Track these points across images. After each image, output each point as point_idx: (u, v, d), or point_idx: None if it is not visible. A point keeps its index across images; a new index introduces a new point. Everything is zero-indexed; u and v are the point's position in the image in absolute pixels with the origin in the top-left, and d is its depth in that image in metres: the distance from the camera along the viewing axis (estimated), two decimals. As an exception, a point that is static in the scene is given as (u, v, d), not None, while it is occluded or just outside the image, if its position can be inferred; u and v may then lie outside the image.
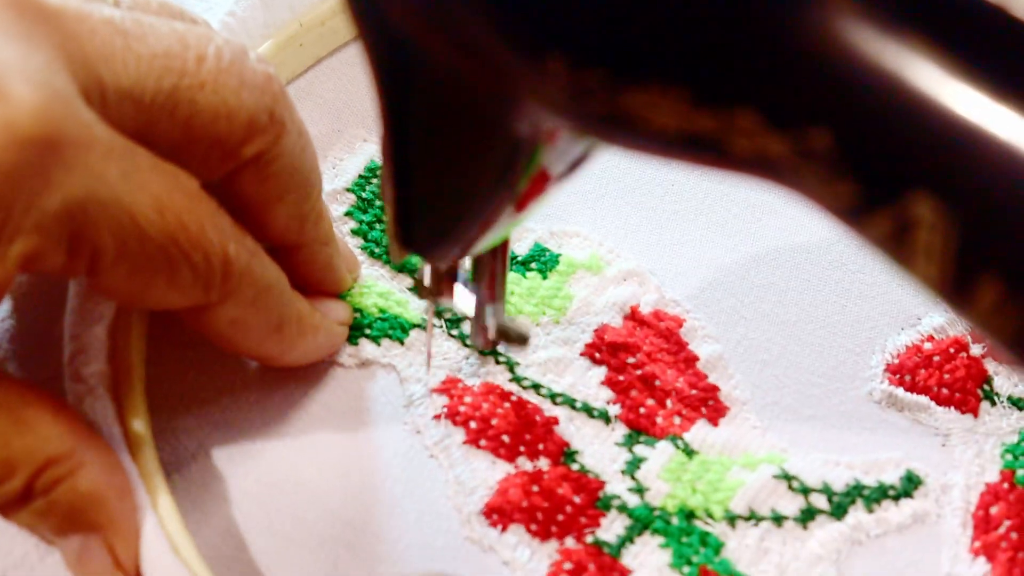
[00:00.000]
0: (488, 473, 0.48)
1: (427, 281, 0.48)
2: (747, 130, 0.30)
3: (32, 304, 0.50)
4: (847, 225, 0.30)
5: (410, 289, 0.53)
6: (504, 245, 0.48)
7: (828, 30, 0.28)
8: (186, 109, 0.42)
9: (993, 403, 0.51)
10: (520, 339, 0.49)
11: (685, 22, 0.29)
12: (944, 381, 0.51)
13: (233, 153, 0.44)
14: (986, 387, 0.52)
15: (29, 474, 0.42)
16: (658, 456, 0.49)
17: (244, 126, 0.44)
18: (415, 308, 0.52)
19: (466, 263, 0.48)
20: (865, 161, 0.28)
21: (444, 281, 0.48)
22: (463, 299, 0.48)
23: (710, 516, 0.48)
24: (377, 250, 0.54)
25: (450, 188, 0.42)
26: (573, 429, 0.50)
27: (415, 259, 0.50)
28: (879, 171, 0.28)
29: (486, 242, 0.45)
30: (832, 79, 0.28)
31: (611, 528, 0.47)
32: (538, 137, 0.37)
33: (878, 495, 0.48)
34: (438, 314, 0.52)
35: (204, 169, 0.44)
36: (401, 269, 0.54)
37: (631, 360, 0.51)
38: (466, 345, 0.52)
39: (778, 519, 0.48)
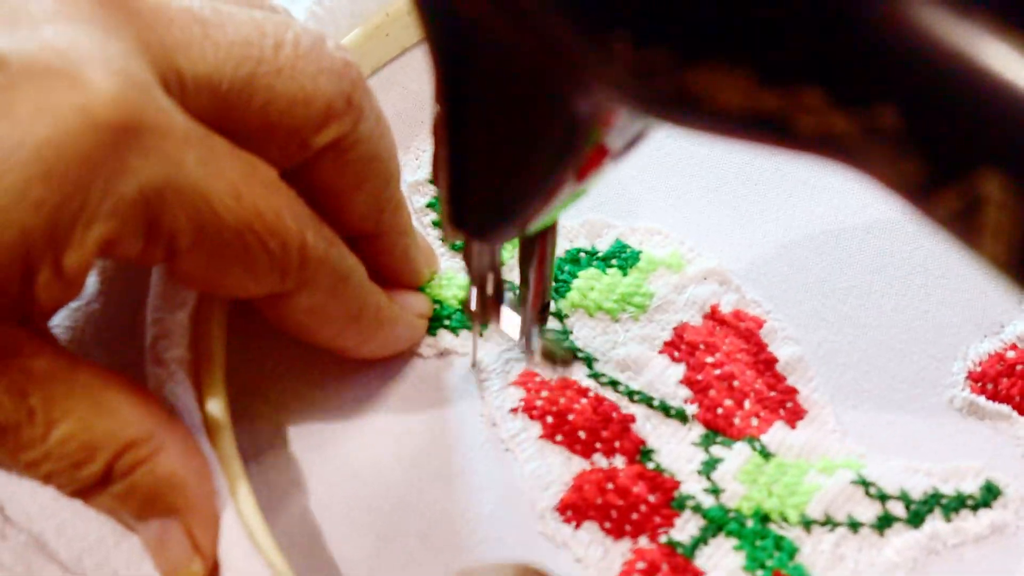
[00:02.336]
0: (563, 469, 0.48)
1: (473, 305, 0.49)
2: (812, 108, 0.29)
3: (116, 289, 0.50)
4: (913, 204, 0.30)
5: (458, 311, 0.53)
6: (552, 243, 0.48)
7: (895, 7, 0.28)
8: (263, 96, 0.43)
9: (1076, 414, 0.51)
10: (564, 361, 0.49)
11: (752, 1, 0.29)
12: (1027, 390, 0.51)
13: (310, 139, 0.44)
14: (1070, 398, 0.51)
15: (109, 457, 0.42)
16: (735, 457, 0.49)
17: (321, 112, 0.44)
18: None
19: (512, 286, 0.49)
20: (932, 139, 0.28)
21: (490, 304, 0.48)
22: (509, 322, 0.49)
23: (785, 520, 0.47)
24: (458, 243, 0.54)
25: (506, 167, 0.42)
26: (650, 427, 0.49)
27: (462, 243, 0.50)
28: (946, 149, 0.28)
29: (539, 222, 0.44)
30: (899, 56, 0.28)
31: (685, 529, 0.47)
32: (598, 115, 0.37)
33: (956, 504, 0.48)
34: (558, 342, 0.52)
35: (282, 156, 0.44)
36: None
37: (710, 359, 0.51)
38: (544, 338, 0.51)
39: (854, 525, 0.47)
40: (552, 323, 0.52)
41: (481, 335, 0.51)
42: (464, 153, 0.42)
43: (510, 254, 0.52)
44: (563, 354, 0.49)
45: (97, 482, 0.43)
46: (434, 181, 0.44)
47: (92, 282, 0.51)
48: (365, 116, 0.46)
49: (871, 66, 0.28)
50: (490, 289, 0.48)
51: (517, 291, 0.49)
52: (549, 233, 0.47)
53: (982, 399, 0.51)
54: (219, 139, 0.41)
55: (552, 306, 0.52)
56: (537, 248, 0.47)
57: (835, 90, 0.29)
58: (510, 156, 0.41)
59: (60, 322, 0.50)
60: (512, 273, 0.49)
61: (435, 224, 0.55)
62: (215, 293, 0.46)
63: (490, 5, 0.35)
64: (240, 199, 0.41)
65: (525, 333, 0.49)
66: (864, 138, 0.29)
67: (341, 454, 0.48)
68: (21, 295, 0.39)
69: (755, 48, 0.30)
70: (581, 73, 0.34)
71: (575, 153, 0.39)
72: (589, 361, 0.51)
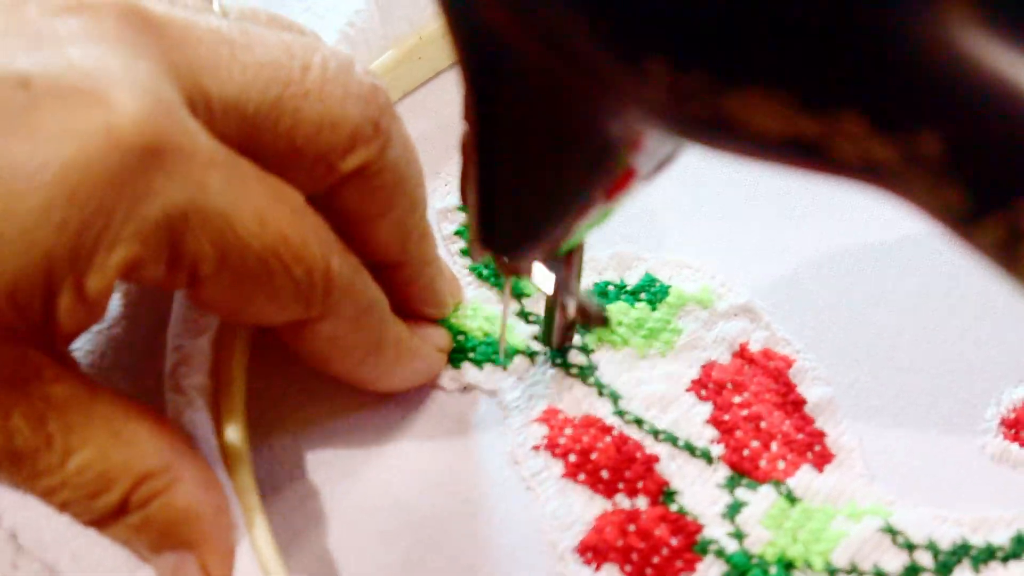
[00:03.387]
0: (585, 509, 0.47)
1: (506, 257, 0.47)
2: (853, 134, 0.29)
3: (138, 313, 0.50)
4: (955, 232, 0.29)
5: (490, 278, 0.52)
6: (579, 263, 0.47)
7: (940, 33, 0.27)
8: (290, 119, 0.42)
9: (1113, 467, 0.50)
10: (599, 319, 0.48)
11: (791, 23, 0.28)
12: (1062, 440, 0.50)
13: (337, 164, 0.44)
14: (1106, 449, 0.50)
15: (126, 488, 0.41)
16: (760, 501, 0.48)
17: (348, 137, 0.43)
18: (521, 333, 0.52)
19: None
20: (975, 167, 0.28)
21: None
22: (542, 276, 0.47)
23: (810, 567, 0.46)
24: (485, 272, 0.54)
25: (535, 186, 0.41)
26: (674, 468, 0.49)
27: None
28: (990, 177, 0.28)
29: (567, 241, 0.44)
30: (942, 82, 0.27)
31: (707, 573, 0.46)
32: (629, 137, 0.36)
33: (986, 556, 0.47)
34: (545, 342, 0.51)
35: (308, 181, 0.43)
36: (520, 295, 0.53)
37: (737, 399, 0.50)
38: (568, 374, 0.51)
39: (880, 575, 0.46)
40: (578, 357, 0.51)
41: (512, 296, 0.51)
42: (493, 172, 0.41)
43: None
44: (597, 312, 0.48)
45: (113, 512, 0.42)
46: (462, 199, 0.44)
47: (115, 306, 0.50)
48: (392, 142, 0.45)
49: (913, 91, 0.28)
50: None
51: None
52: (576, 253, 0.47)
53: (1015, 447, 0.50)
54: (245, 162, 0.41)
55: (578, 339, 0.52)
56: (564, 268, 0.47)
57: (876, 116, 0.29)
58: (539, 175, 0.41)
59: (81, 346, 0.49)
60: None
61: (463, 252, 0.54)
62: (238, 320, 0.46)
63: (520, 24, 0.34)
64: (265, 224, 0.40)
65: (558, 346, 0.50)
66: (905, 165, 0.29)
67: (360, 487, 0.48)
68: (43, 318, 0.39)
69: (795, 72, 0.29)
70: (615, 96, 0.34)
71: (605, 173, 0.38)
72: (614, 398, 0.50)
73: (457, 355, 0.51)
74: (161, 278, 0.40)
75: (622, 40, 0.31)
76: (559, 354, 0.51)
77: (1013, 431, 0.50)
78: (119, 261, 0.38)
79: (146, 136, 0.38)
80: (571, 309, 0.48)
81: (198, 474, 0.43)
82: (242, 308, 0.42)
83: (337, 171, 0.44)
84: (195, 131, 0.39)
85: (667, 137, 0.37)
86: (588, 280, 0.54)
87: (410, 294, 0.49)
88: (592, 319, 0.48)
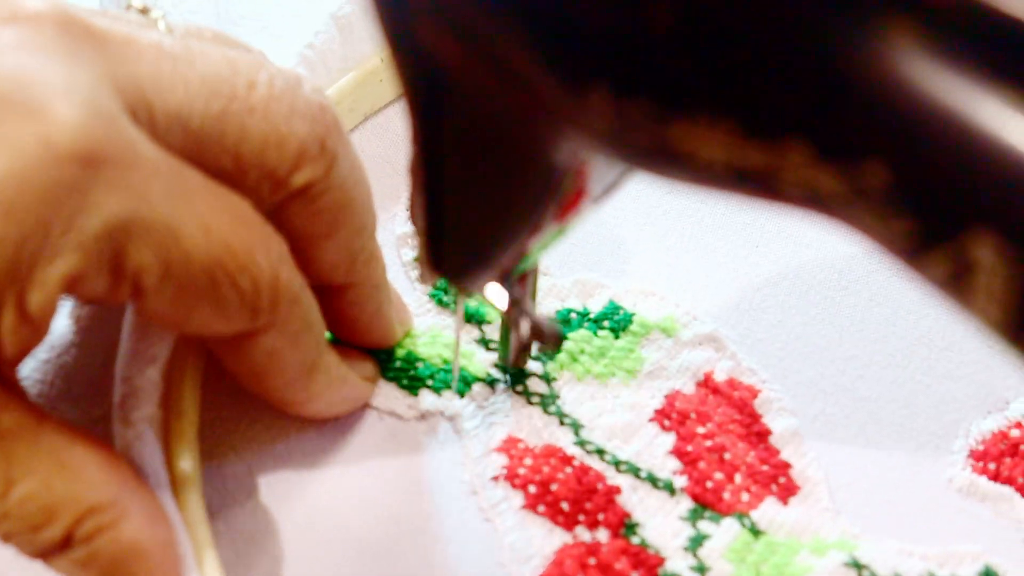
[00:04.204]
0: (544, 541, 0.46)
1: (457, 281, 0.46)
2: (798, 164, 0.28)
3: (87, 341, 0.49)
4: (904, 263, 0.29)
5: (450, 305, 0.51)
6: (533, 286, 0.47)
7: (886, 62, 0.27)
8: (235, 135, 0.41)
9: (1082, 499, 0.49)
10: (553, 338, 0.47)
11: (735, 52, 0.28)
12: (1030, 472, 0.49)
13: (283, 182, 0.43)
14: (1075, 482, 0.49)
15: (70, 522, 0.40)
16: (723, 534, 0.47)
17: (294, 155, 0.42)
18: (481, 360, 0.51)
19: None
20: (923, 197, 0.27)
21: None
22: (495, 293, 0.46)
23: (774, 602, 0.45)
24: (445, 299, 0.53)
25: (483, 210, 0.41)
26: (636, 499, 0.47)
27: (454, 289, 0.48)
28: (938, 208, 0.27)
29: (520, 264, 0.43)
30: (888, 111, 0.27)
31: (669, 608, 0.45)
32: (577, 161, 0.36)
33: (952, 590, 0.46)
34: (502, 370, 0.50)
35: (254, 199, 0.42)
36: (469, 319, 0.52)
37: (701, 430, 0.49)
38: (529, 402, 0.50)
39: (846, 610, 0.45)
40: (540, 386, 0.50)
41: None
42: (440, 195, 0.40)
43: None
44: (551, 331, 0.47)
45: (56, 546, 0.40)
46: (412, 223, 0.43)
47: (65, 333, 0.49)
48: (339, 162, 0.44)
49: (859, 120, 0.27)
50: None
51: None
52: (529, 275, 0.46)
53: (983, 479, 0.49)
54: (190, 171, 0.40)
55: (539, 367, 0.51)
56: (518, 289, 0.46)
57: (821, 145, 0.28)
58: (487, 198, 0.40)
59: (29, 375, 0.48)
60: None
61: (422, 280, 0.53)
62: (184, 331, 0.44)
63: (464, 54, 0.34)
64: (210, 234, 0.39)
65: (514, 366, 0.50)
66: (852, 195, 0.28)
67: (313, 517, 0.46)
68: None
69: (739, 101, 0.28)
70: (559, 123, 0.33)
71: (554, 195, 0.38)
72: (576, 427, 0.49)
73: (415, 383, 0.50)
74: (104, 292, 0.39)
75: (565, 67, 0.31)
76: (519, 381, 0.50)
77: (981, 463, 0.49)
78: (60, 275, 0.37)
79: (84, 146, 0.36)
80: (524, 328, 0.47)
81: (146, 508, 0.42)
82: (187, 318, 0.41)
83: (283, 189, 0.43)
84: (137, 140, 0.38)
85: (614, 163, 0.37)
86: (550, 307, 0.53)
87: (356, 318, 0.48)
88: (546, 338, 0.47)
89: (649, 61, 0.29)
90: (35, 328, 0.38)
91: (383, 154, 0.57)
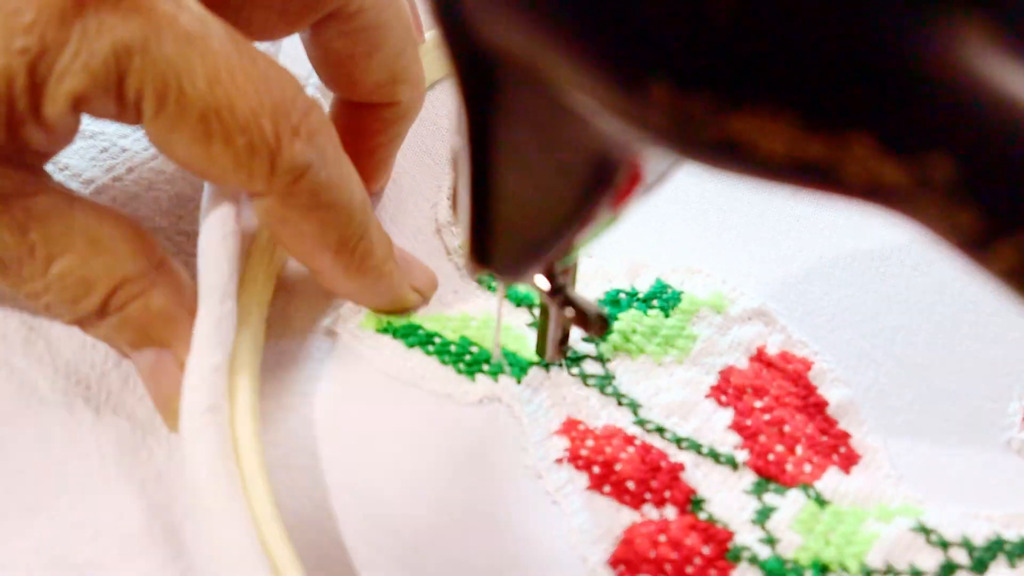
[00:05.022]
0: (613, 521, 0.46)
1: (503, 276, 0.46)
2: (861, 156, 0.28)
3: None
4: (968, 256, 0.28)
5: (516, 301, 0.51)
6: (574, 277, 0.47)
7: (954, 55, 0.26)
8: None
9: None
10: (598, 323, 0.47)
11: (798, 43, 0.28)
12: (1087, 431, 0.49)
13: (312, 3, 0.47)
14: None
15: (106, 292, 0.45)
16: (789, 506, 0.47)
17: None
18: (534, 344, 0.51)
19: None
20: (988, 190, 0.27)
21: None
22: (541, 282, 0.46)
23: (845, 570, 0.45)
24: (494, 284, 0.52)
25: (533, 202, 0.40)
26: (700, 475, 0.48)
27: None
28: (1004, 201, 0.27)
29: (568, 255, 0.43)
30: (954, 103, 0.27)
31: (742, 581, 0.45)
32: (632, 153, 0.35)
33: (1020, 550, 0.46)
34: (542, 365, 0.50)
35: (286, 19, 0.47)
36: (519, 303, 0.52)
37: (758, 404, 0.49)
38: (586, 384, 0.50)
39: (917, 574, 0.45)
40: (594, 367, 0.50)
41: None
42: (487, 188, 0.40)
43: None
44: (597, 316, 0.47)
45: (94, 314, 0.45)
46: (453, 215, 0.43)
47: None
48: None
49: (924, 113, 0.27)
50: None
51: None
52: (570, 269, 0.46)
53: (1040, 440, 0.49)
54: (220, 26, 0.43)
55: (593, 349, 0.51)
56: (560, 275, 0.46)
57: (886, 138, 0.28)
58: (538, 190, 0.40)
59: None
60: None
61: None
62: (199, 175, 0.46)
63: (519, 47, 0.33)
64: (214, 85, 0.42)
65: (551, 360, 0.50)
66: (916, 188, 0.28)
67: (380, 509, 0.46)
68: (9, 139, 0.41)
69: (802, 94, 0.28)
70: (616, 119, 0.33)
71: (608, 186, 0.37)
72: (634, 407, 0.49)
73: (471, 367, 0.50)
74: (113, 113, 0.42)
75: (624, 62, 0.30)
76: (574, 363, 0.50)
77: (1037, 425, 0.50)
78: (68, 92, 0.41)
79: None
80: (569, 314, 0.46)
81: (172, 281, 0.46)
82: (189, 159, 0.43)
83: (314, 10, 0.47)
84: None
85: (671, 157, 0.36)
86: (598, 288, 0.53)
87: (392, 142, 0.53)
88: (591, 325, 0.47)
89: (710, 52, 0.28)
90: (55, 135, 0.43)
91: (420, 144, 0.56)
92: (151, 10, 0.41)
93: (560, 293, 0.46)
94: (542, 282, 0.46)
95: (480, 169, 0.40)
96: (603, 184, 0.37)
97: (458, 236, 0.54)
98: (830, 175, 0.29)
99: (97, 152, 0.52)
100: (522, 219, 0.41)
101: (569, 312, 0.46)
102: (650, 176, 0.38)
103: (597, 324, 0.46)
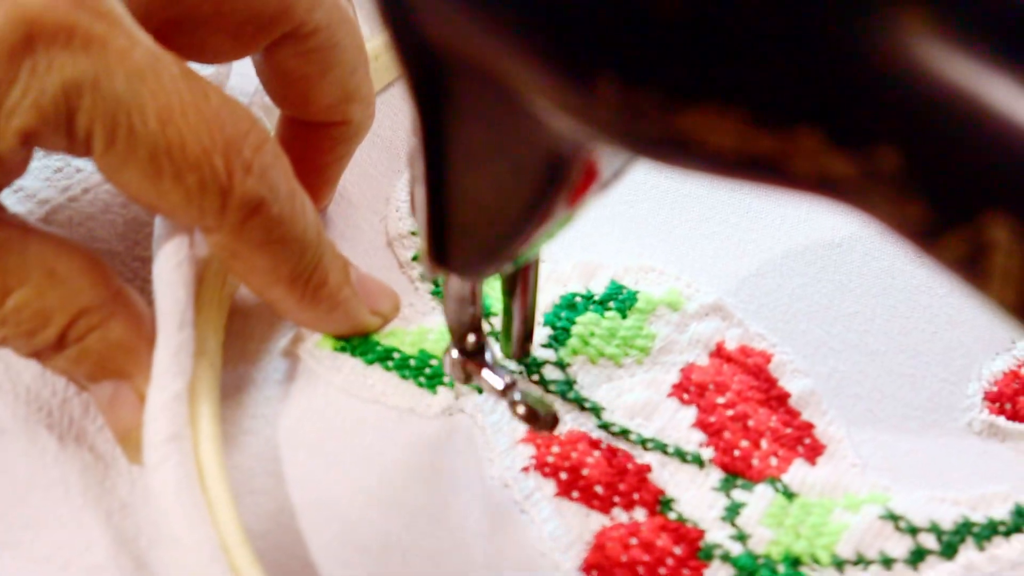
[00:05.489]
0: (583, 527, 0.46)
1: (449, 369, 0.47)
2: (809, 150, 0.28)
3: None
4: (918, 247, 0.28)
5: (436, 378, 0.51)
6: (535, 275, 0.47)
7: (897, 46, 0.26)
8: None
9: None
10: (548, 421, 0.47)
11: (744, 39, 0.28)
12: (1046, 408, 0.50)
13: (265, 27, 0.47)
14: (1090, 412, 0.50)
15: (63, 324, 0.44)
16: (757, 500, 0.47)
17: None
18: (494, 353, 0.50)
19: (492, 345, 0.47)
20: (936, 181, 0.27)
21: (472, 364, 0.47)
22: (492, 380, 0.47)
23: (816, 562, 0.45)
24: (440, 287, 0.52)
25: (489, 201, 0.40)
26: (667, 475, 0.48)
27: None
28: (951, 192, 0.27)
29: (525, 253, 0.43)
30: (900, 95, 0.27)
31: (715, 579, 0.45)
32: (585, 151, 0.35)
33: (988, 532, 0.46)
34: (519, 361, 0.50)
35: (237, 45, 0.47)
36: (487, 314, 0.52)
37: (721, 400, 0.49)
38: (547, 390, 0.50)
39: (887, 562, 0.46)
40: (555, 373, 0.50)
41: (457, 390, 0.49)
42: (443, 187, 0.40)
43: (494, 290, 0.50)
44: (546, 413, 0.47)
45: (52, 347, 0.45)
46: (412, 217, 0.43)
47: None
48: (320, 3, 0.48)
49: (870, 105, 0.27)
50: (470, 344, 0.46)
51: (498, 337, 0.49)
52: (532, 265, 0.46)
53: (1001, 420, 0.50)
54: (173, 62, 0.42)
55: (552, 354, 0.51)
56: (519, 281, 0.46)
57: (833, 131, 0.27)
58: (493, 189, 0.40)
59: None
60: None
61: (423, 277, 0.53)
62: (150, 210, 0.45)
63: (467, 46, 0.33)
64: (166, 124, 0.42)
65: (516, 357, 0.49)
66: (864, 180, 0.28)
67: (346, 527, 0.46)
68: None
69: (750, 88, 0.28)
70: (566, 115, 0.33)
71: (563, 183, 0.37)
72: (597, 411, 0.49)
73: (432, 380, 0.49)
74: (63, 148, 0.42)
75: (571, 58, 0.30)
76: (534, 370, 0.50)
77: (997, 404, 0.50)
78: (18, 128, 0.41)
79: (53, 17, 0.40)
80: (521, 411, 0.47)
81: (131, 311, 0.46)
82: (139, 195, 0.43)
83: (267, 33, 0.47)
84: (117, 19, 0.41)
85: (620, 154, 0.36)
86: (553, 292, 0.53)
87: (342, 159, 0.53)
88: (541, 422, 0.47)
89: (657, 48, 0.28)
90: (5, 167, 0.43)
91: (366, 155, 0.56)
92: (103, 47, 0.41)
93: (512, 389, 0.46)
94: (495, 380, 0.46)
95: (435, 170, 0.39)
96: (558, 182, 0.37)
97: (410, 248, 0.54)
98: (779, 170, 0.29)
99: (51, 172, 0.51)
100: (479, 218, 0.41)
101: (520, 409, 0.46)
102: (606, 173, 0.38)
103: (547, 421, 0.46)
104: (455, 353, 0.47)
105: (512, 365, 0.50)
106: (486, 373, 0.46)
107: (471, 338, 0.46)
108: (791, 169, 0.28)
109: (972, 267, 0.27)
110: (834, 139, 0.27)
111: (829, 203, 0.29)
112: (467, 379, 0.47)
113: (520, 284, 0.46)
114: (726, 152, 0.29)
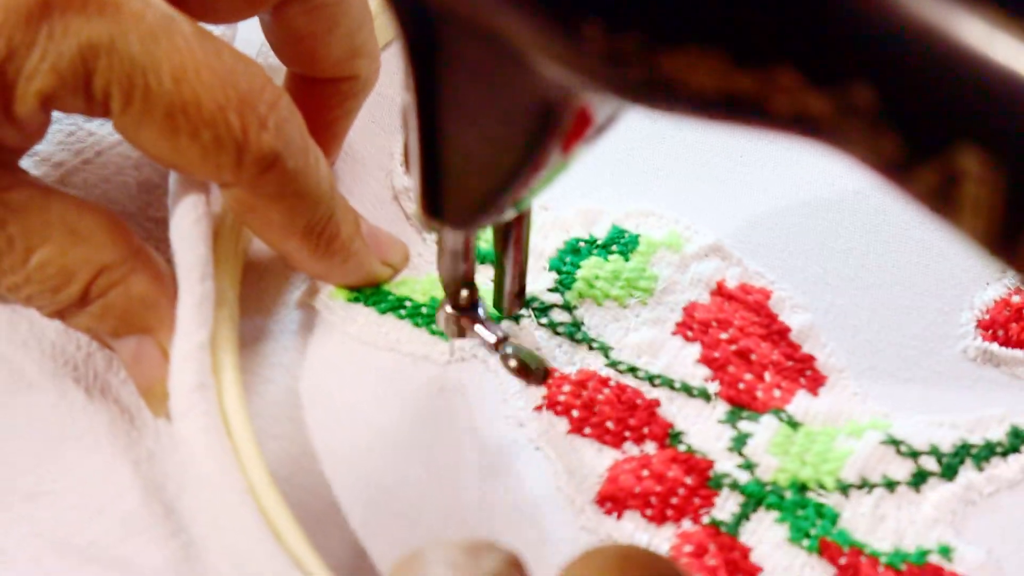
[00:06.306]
0: (596, 461, 0.48)
1: (443, 325, 0.49)
2: (787, 88, 0.29)
3: None
4: (891, 181, 0.29)
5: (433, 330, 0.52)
6: (527, 226, 0.48)
7: None
8: None
9: (1090, 351, 0.51)
10: (540, 374, 0.48)
11: None
12: (1038, 333, 0.51)
13: None
14: (1081, 335, 0.52)
15: (86, 280, 0.45)
16: (763, 431, 0.49)
17: None
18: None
19: (486, 300, 0.49)
20: (909, 115, 0.28)
21: (465, 320, 0.49)
22: (484, 335, 0.48)
23: (822, 487, 0.47)
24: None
25: (483, 150, 0.41)
26: (675, 410, 0.49)
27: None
28: (923, 125, 0.28)
29: (520, 202, 0.44)
30: (873, 33, 0.28)
31: (725, 507, 0.47)
32: (576, 98, 0.37)
33: (986, 453, 0.48)
34: (527, 304, 0.52)
35: (249, 1, 0.48)
36: (483, 261, 0.53)
37: (724, 335, 0.51)
38: (556, 332, 0.51)
39: (890, 485, 0.47)
40: (562, 316, 0.52)
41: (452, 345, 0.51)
42: (436, 139, 0.41)
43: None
44: (537, 367, 0.48)
45: (75, 303, 0.46)
46: (406, 170, 0.44)
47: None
48: None
49: (845, 44, 0.28)
50: (463, 299, 0.48)
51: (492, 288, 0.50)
52: (524, 216, 0.47)
53: (995, 346, 0.51)
54: (186, 22, 0.44)
55: (559, 298, 0.52)
56: (513, 232, 0.48)
57: (809, 69, 0.29)
58: (487, 138, 0.41)
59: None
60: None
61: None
62: (166, 166, 0.47)
63: None
64: (181, 83, 0.43)
65: (509, 313, 0.50)
66: (840, 117, 0.29)
67: (370, 469, 0.47)
68: None
69: (728, 30, 0.29)
70: (553, 62, 0.34)
71: (556, 130, 0.39)
72: (605, 350, 0.51)
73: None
74: (81, 109, 0.44)
75: (557, 5, 0.31)
76: (543, 314, 0.52)
77: (990, 332, 0.52)
78: (37, 91, 0.42)
79: None
80: (512, 363, 0.48)
81: (151, 267, 0.47)
82: (157, 153, 0.45)
83: None
84: None
85: (607, 99, 0.38)
86: (556, 239, 0.54)
87: (349, 114, 0.54)
88: (532, 374, 0.49)
89: None
90: (26, 131, 0.44)
91: (368, 114, 0.57)
92: (117, 10, 0.42)
93: (504, 343, 0.48)
94: (487, 335, 0.48)
95: (428, 122, 0.41)
96: (550, 130, 0.38)
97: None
98: (758, 108, 0.30)
99: (64, 136, 0.52)
100: (473, 169, 0.42)
101: (512, 363, 0.48)
102: (598, 120, 0.39)
103: (539, 375, 0.48)
104: (448, 309, 0.48)
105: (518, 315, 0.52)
106: (479, 328, 0.48)
107: (464, 293, 0.48)
108: (770, 108, 0.30)
109: (944, 198, 0.28)
110: (810, 77, 0.29)
111: (806, 142, 0.30)
112: (461, 334, 0.49)
113: (513, 239, 0.48)
114: (708, 93, 0.30)
